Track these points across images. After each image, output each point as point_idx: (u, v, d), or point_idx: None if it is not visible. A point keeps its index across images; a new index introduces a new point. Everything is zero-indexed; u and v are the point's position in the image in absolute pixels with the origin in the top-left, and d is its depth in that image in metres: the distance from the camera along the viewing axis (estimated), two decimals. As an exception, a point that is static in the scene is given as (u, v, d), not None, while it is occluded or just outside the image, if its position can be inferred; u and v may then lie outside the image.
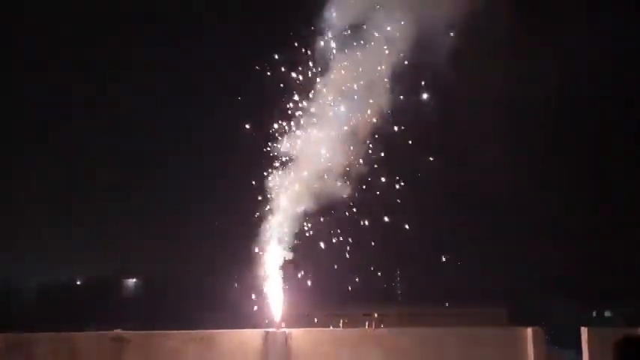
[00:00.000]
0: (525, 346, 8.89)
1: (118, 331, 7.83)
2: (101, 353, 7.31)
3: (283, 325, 8.53)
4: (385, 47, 9.79)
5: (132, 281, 62.76)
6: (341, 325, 13.36)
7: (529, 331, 8.95)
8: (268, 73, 10.19)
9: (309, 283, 9.88)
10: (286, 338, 8.04)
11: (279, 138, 9.49)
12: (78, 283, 65.04)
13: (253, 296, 9.07)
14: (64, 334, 7.89)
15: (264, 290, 9.11)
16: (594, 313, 48.30)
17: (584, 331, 8.59)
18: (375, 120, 9.69)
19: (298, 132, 9.50)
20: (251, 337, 8.05)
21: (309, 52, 9.91)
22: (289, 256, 9.03)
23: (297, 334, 8.18)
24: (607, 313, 48.01)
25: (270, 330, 8.14)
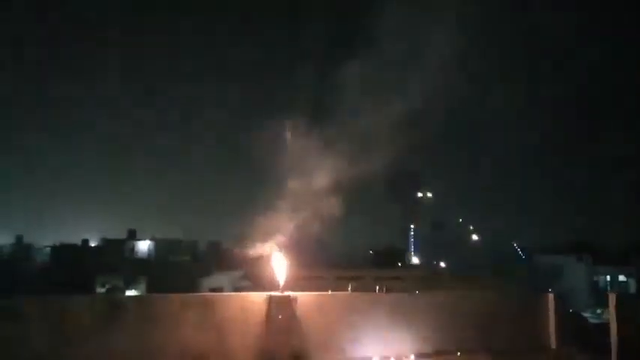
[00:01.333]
0: (547, 311, 8.41)
1: (108, 295, 7.31)
2: (94, 318, 6.81)
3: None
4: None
5: (145, 242, 63.01)
6: (350, 289, 12.83)
7: (550, 296, 8.57)
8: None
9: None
10: (291, 301, 7.50)
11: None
12: (92, 244, 65.47)
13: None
14: (54, 297, 7.40)
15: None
16: (608, 277, 47.92)
17: (612, 296, 8.06)
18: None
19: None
20: (253, 300, 7.51)
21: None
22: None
23: (303, 297, 7.64)
24: (621, 277, 47.63)
25: (274, 293, 7.59)
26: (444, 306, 8.23)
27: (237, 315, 7.38)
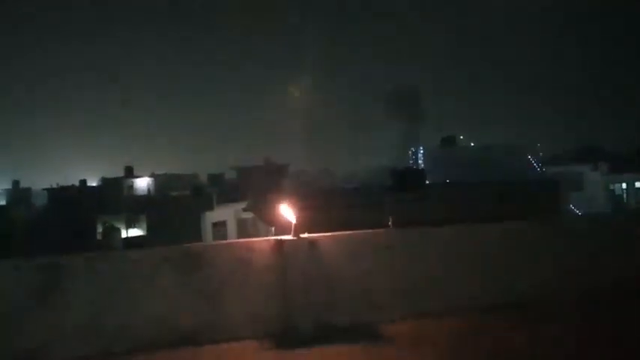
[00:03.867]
0: None
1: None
2: (23, 293, 4.73)
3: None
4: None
5: (143, 179, 61.15)
6: (390, 222, 10.67)
7: None
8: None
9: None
10: (310, 246, 5.35)
11: None
12: (91, 184, 63.70)
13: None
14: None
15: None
16: (624, 185, 46.20)
17: None
18: None
19: None
20: (258, 249, 5.37)
21: None
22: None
23: (324, 240, 5.50)
24: (637, 184, 45.91)
25: (286, 237, 5.43)
26: (522, 240, 6.05)
27: (236, 271, 5.26)
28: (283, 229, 5.77)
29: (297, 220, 5.57)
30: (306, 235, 5.48)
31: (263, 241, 5.42)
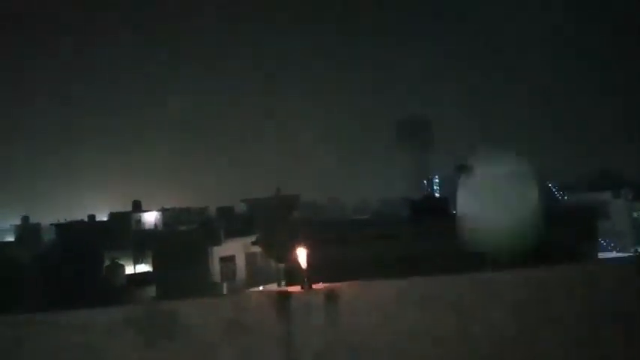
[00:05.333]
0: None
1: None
2: None
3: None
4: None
5: (152, 214, 59.99)
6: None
7: None
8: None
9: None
10: (329, 303, 3.81)
11: None
12: (101, 219, 62.64)
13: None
14: None
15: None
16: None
17: None
18: None
19: None
20: (253, 307, 3.83)
21: None
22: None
23: (347, 290, 3.96)
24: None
25: (293, 289, 3.90)
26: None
27: (223, 340, 3.72)
28: (294, 270, 4.26)
29: (309, 262, 4.07)
30: (320, 285, 3.95)
31: (261, 295, 3.90)
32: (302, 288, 3.87)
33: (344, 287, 3.98)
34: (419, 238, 12.38)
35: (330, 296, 3.86)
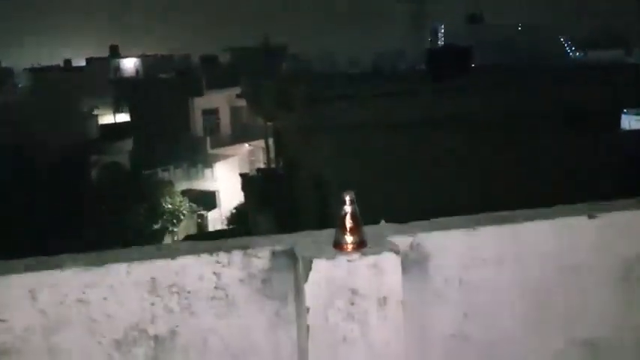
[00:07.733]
0: None
1: None
2: None
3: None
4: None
5: (130, 60, 56.31)
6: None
7: None
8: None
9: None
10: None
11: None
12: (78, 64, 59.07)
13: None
14: None
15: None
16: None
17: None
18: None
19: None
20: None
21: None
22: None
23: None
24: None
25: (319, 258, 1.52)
26: None
27: None
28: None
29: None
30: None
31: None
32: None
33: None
34: (446, 95, 9.96)
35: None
